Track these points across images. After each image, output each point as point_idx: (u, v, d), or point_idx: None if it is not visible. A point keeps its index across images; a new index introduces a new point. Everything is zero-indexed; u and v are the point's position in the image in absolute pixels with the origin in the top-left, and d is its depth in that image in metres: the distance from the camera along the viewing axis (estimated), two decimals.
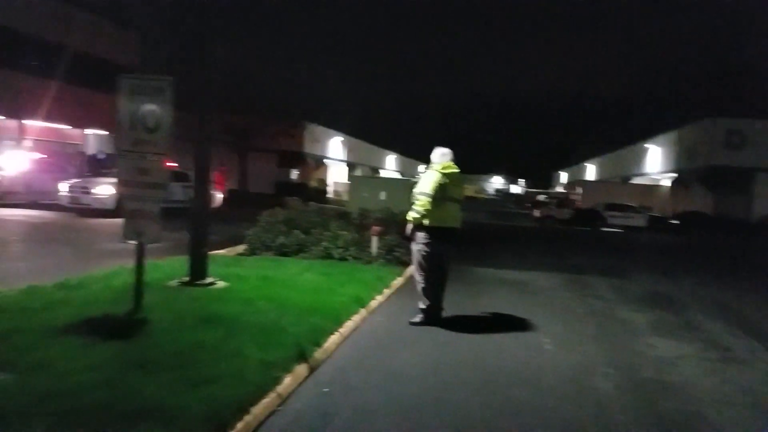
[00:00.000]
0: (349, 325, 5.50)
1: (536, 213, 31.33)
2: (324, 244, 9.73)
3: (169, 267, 6.99)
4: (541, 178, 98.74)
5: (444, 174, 5.91)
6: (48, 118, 22.33)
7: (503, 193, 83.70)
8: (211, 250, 9.91)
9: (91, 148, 26.29)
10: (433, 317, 5.96)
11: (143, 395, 3.28)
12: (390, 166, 65.23)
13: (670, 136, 38.81)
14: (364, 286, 7.09)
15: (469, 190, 73.13)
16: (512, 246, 16.18)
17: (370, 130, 54.00)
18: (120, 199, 5.95)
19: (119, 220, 13.44)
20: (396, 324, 5.96)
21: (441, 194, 5.82)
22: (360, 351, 4.98)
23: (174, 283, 6.17)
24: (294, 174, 38.14)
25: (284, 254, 9.70)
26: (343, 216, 12.58)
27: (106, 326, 4.35)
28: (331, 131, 43.74)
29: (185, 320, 4.63)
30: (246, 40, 24.58)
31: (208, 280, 6.24)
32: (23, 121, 22.49)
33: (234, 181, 30.07)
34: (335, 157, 45.62)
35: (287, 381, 3.87)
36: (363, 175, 45.24)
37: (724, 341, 6.18)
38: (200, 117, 6.29)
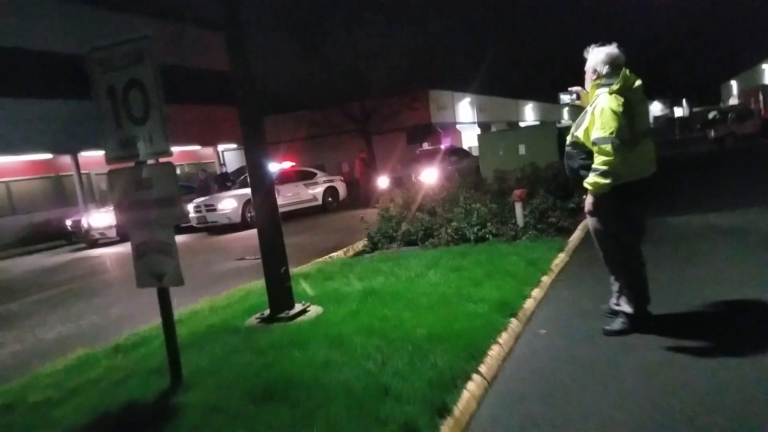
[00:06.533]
0: (494, 357, 3.48)
1: (711, 133, 25.76)
2: (454, 224, 7.75)
3: (257, 295, 5.51)
4: (706, 94, 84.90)
5: (626, 93, 3.45)
6: (179, 140, 22.82)
7: (665, 119, 71.70)
8: (329, 253, 8.63)
9: (229, 165, 27.00)
10: (639, 321, 3.71)
11: None
12: (529, 117, 59.36)
13: None
14: (511, 278, 5.00)
15: None
16: (697, 179, 12.69)
17: (500, 82, 48.95)
18: (125, 228, 4.51)
19: (246, 233, 12.44)
20: (572, 338, 3.80)
21: (629, 130, 3.40)
22: (519, 407, 2.95)
23: (253, 320, 4.64)
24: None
25: (411, 243, 8.03)
26: (475, 184, 10.41)
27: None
28: (458, 94, 40.58)
29: (235, 400, 3.00)
30: (353, 20, 22.48)
31: (297, 308, 4.62)
32: None
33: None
34: (466, 120, 42.62)
35: None
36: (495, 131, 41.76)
37: None
38: (245, 112, 4.66)
